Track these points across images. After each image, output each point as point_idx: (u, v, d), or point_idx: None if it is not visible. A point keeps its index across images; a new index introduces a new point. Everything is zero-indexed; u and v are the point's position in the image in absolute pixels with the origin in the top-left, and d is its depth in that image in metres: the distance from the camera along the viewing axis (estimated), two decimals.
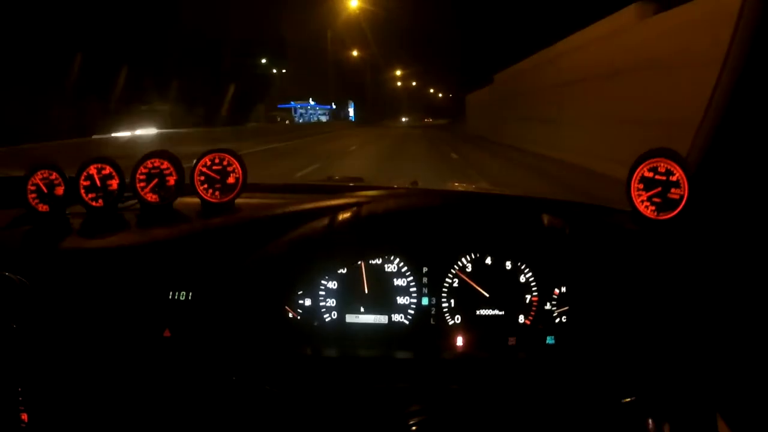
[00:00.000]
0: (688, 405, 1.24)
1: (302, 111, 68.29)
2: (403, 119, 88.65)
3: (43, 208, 1.54)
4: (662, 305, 1.30)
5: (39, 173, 1.56)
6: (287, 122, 50.72)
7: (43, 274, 1.33)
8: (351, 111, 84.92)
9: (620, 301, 1.33)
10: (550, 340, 1.37)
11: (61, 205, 1.53)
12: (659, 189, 1.42)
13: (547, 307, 1.37)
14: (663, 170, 1.42)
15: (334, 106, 76.65)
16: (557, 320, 1.38)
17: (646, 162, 1.42)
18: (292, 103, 66.36)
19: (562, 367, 1.33)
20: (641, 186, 1.43)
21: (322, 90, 71.13)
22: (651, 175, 1.42)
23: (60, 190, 1.54)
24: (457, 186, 1.63)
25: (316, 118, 69.26)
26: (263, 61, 52.02)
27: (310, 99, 69.08)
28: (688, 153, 1.47)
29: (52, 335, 1.31)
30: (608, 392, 1.26)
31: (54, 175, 1.55)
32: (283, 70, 61.54)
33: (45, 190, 1.55)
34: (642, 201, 1.42)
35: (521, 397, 1.28)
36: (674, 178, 1.41)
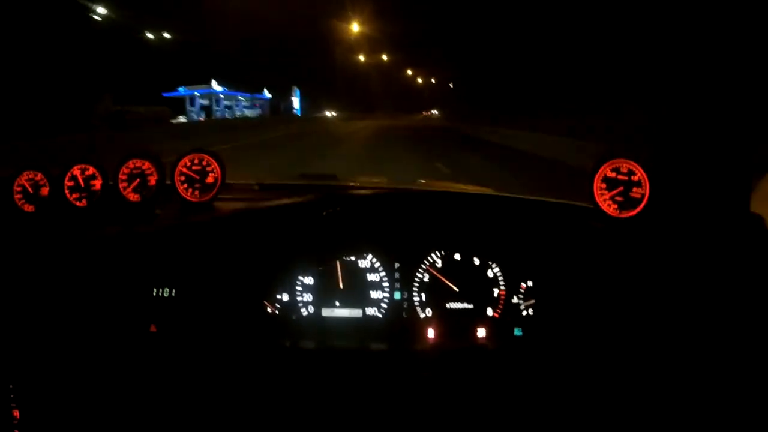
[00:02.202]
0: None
1: (203, 102, 41.94)
2: (331, 113, 57.34)
3: (28, 208, 1.59)
4: (625, 298, 1.37)
5: (24, 174, 1.60)
6: (178, 121, 30.58)
7: (31, 272, 1.37)
8: (296, 101, 57.72)
9: (585, 295, 1.40)
10: (517, 332, 1.44)
11: (46, 205, 1.58)
12: (621, 188, 1.49)
13: (515, 300, 1.44)
14: (625, 170, 1.49)
15: (267, 95, 50.99)
16: (524, 313, 1.44)
17: (609, 162, 1.49)
18: (181, 89, 39.31)
19: (529, 358, 1.39)
20: (604, 185, 1.49)
21: (251, 72, 45.88)
22: (614, 175, 1.49)
23: (45, 191, 1.59)
24: (427, 184, 1.69)
25: (240, 112, 47.12)
26: (102, 11, 25.05)
27: (213, 82, 41.53)
28: (649, 154, 1.54)
29: (41, 333, 1.35)
30: (573, 381, 1.33)
31: (39, 176, 1.59)
32: (166, 35, 33.63)
33: (30, 191, 1.59)
34: (605, 200, 1.49)
35: (490, 385, 1.34)
36: (636, 178, 1.48)
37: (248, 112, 49.15)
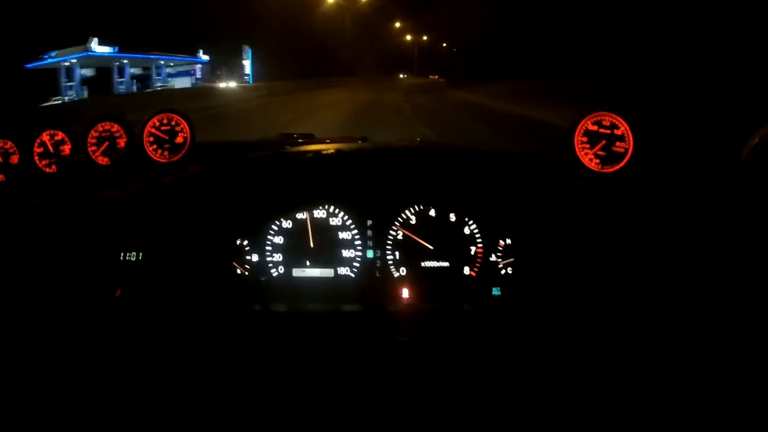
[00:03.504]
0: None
1: (87, 72, 27.34)
2: None
3: None
4: (607, 256, 1.31)
5: None
6: (49, 104, 20.17)
7: None
8: (247, 65, 40.79)
9: (566, 253, 1.34)
10: (495, 291, 1.38)
11: (17, 172, 1.55)
12: (604, 142, 1.43)
13: (493, 258, 1.38)
14: (608, 124, 1.43)
15: (203, 57, 35.30)
16: (503, 272, 1.39)
17: (591, 115, 1.44)
18: (49, 56, 25.14)
19: (507, 318, 1.33)
20: (585, 139, 1.44)
21: (176, 28, 29.64)
22: (595, 128, 1.44)
23: (15, 159, 1.56)
24: (405, 140, 1.64)
25: (163, 83, 32.05)
26: None
27: (93, 41, 25.33)
28: (633, 108, 1.49)
29: (7, 299, 1.32)
30: (552, 341, 1.27)
31: (9, 144, 1.57)
32: None
33: (0, 160, 1.57)
34: (586, 154, 1.43)
35: (467, 347, 1.29)
36: (619, 132, 1.43)
37: (178, 82, 32.47)
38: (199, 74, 35.62)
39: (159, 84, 31.71)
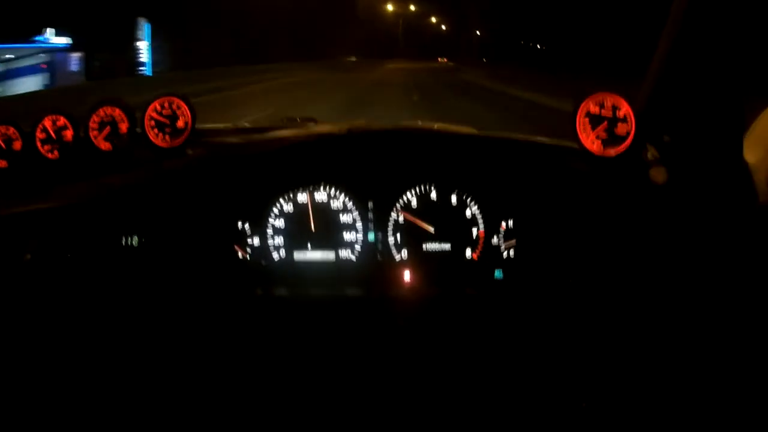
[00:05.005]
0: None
1: None
2: None
3: (1, 164, 1.56)
4: (608, 238, 1.31)
5: None
6: None
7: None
8: (144, 48, 25.17)
9: (568, 236, 1.34)
10: (498, 274, 1.38)
11: (19, 159, 1.55)
12: (605, 124, 1.42)
13: (495, 241, 1.38)
14: (609, 105, 1.42)
15: (56, 40, 20.83)
16: (504, 254, 1.38)
17: (592, 96, 1.43)
18: None
19: (509, 301, 1.33)
20: (587, 121, 1.43)
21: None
22: (597, 110, 1.43)
23: (17, 145, 1.56)
24: (407, 124, 1.64)
25: None
26: None
27: None
28: (639, 89, 1.48)
29: (12, 289, 1.32)
30: (555, 325, 1.27)
31: (11, 130, 1.57)
32: None
33: (3, 146, 1.57)
34: (588, 136, 1.42)
35: (470, 331, 1.28)
36: (621, 114, 1.42)
37: (15, 85, 19.68)
38: (76, 65, 22.40)
39: None
